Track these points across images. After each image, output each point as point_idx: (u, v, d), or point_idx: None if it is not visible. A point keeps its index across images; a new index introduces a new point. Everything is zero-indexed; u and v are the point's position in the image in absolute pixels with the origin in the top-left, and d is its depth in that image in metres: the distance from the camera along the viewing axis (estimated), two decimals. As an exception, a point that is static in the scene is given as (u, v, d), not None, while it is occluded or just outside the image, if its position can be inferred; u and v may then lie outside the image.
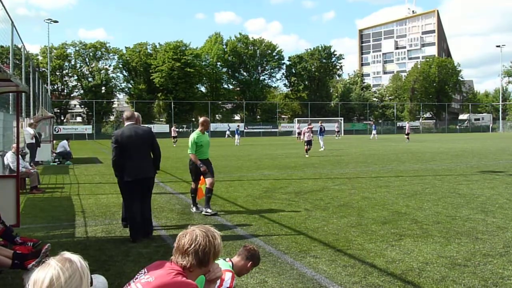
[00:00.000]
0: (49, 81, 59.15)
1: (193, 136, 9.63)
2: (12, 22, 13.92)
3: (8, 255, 5.28)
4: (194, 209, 9.82)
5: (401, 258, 6.42)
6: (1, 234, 6.38)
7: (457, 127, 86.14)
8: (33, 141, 19.08)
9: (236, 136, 43.78)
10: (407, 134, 46.31)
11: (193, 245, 2.68)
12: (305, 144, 26.88)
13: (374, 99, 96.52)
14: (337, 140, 48.88)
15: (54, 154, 23.65)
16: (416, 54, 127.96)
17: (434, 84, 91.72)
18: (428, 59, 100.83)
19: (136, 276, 2.85)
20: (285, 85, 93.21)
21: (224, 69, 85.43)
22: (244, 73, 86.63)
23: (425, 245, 7.09)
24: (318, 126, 33.54)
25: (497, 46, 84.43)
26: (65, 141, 24.69)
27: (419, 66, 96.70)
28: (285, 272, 5.86)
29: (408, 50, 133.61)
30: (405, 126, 51.96)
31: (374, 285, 5.40)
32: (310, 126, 28.08)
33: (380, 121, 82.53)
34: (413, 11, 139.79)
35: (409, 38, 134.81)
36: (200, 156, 9.58)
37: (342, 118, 72.46)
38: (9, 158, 12.25)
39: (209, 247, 2.71)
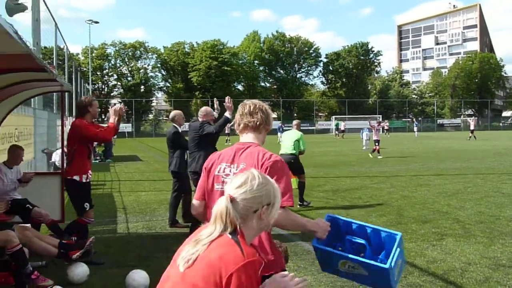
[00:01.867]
0: (90, 81, 60.52)
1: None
2: (56, 23, 14.33)
3: (54, 244, 5.43)
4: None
5: (442, 258, 6.34)
6: (49, 226, 6.57)
7: (500, 124, 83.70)
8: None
9: (279, 134, 41.81)
10: (472, 131, 42.71)
11: (257, 105, 3.06)
12: (376, 143, 23.73)
13: (414, 96, 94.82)
14: (389, 138, 48.33)
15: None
16: (457, 50, 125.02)
17: (476, 80, 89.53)
18: (470, 55, 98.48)
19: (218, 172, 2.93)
20: (322, 82, 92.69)
21: (261, 67, 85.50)
22: (281, 71, 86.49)
23: (467, 245, 6.98)
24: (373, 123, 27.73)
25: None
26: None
27: (460, 62, 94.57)
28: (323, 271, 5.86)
29: (449, 46, 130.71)
30: (447, 123, 50.33)
31: (414, 285, 5.35)
32: (378, 122, 25.89)
33: (420, 118, 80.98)
34: (454, 5, 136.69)
35: (450, 34, 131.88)
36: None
37: (381, 116, 71.51)
38: (57, 156, 12.58)
39: (267, 108, 3.11)
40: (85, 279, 5.43)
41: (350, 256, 2.86)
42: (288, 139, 10.65)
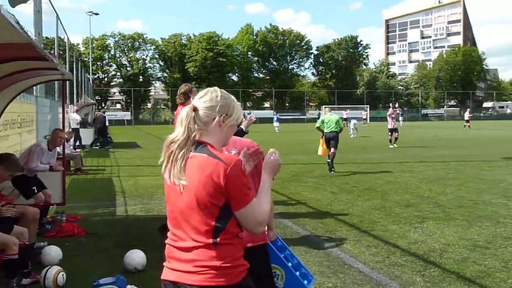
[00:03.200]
0: (91, 71, 60.12)
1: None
2: (57, 14, 14.20)
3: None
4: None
5: (423, 240, 6.40)
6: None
7: (481, 114, 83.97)
8: (78, 126, 19.62)
9: (275, 123, 40.31)
10: (467, 120, 42.82)
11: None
12: (390, 133, 22.25)
13: (400, 87, 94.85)
14: (364, 127, 48.32)
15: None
16: (441, 43, 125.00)
17: (459, 73, 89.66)
18: (453, 48, 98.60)
19: None
20: (313, 74, 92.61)
21: (255, 59, 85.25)
22: (274, 63, 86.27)
23: (447, 227, 7.04)
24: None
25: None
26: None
27: (444, 55, 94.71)
28: (312, 251, 5.92)
29: (433, 40, 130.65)
30: (431, 113, 50.41)
31: (396, 265, 5.41)
32: (396, 109, 23.49)
33: (405, 108, 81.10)
34: (439, 1, 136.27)
35: (435, 28, 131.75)
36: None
37: (368, 106, 71.59)
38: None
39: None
40: (57, 262, 5.30)
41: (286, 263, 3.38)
42: (333, 121, 13.12)
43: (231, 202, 2.02)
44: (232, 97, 2.27)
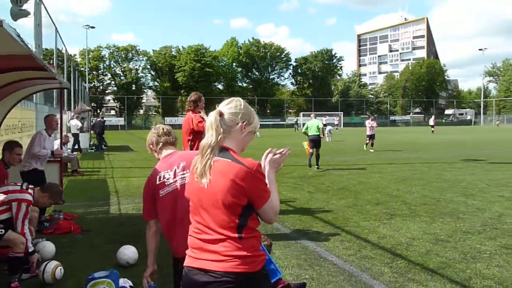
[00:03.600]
0: (87, 79, 59.41)
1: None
2: (56, 27, 14.03)
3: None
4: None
5: (391, 234, 6.46)
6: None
7: (443, 120, 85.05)
8: (78, 132, 19.50)
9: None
10: (433, 125, 43.82)
11: (168, 128, 3.32)
12: (368, 138, 21.94)
13: (370, 96, 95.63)
14: (337, 132, 48.65)
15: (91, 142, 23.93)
16: (407, 57, 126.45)
17: (423, 83, 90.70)
18: (418, 61, 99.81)
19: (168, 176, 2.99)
20: (292, 83, 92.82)
21: (239, 69, 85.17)
22: (256, 73, 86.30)
23: (412, 223, 7.12)
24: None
25: (479, 49, 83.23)
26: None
27: (410, 67, 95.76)
28: (291, 245, 5.93)
29: (400, 53, 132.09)
30: (399, 120, 51.41)
31: (367, 257, 5.45)
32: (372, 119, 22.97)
33: (375, 115, 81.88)
34: (405, 18, 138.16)
35: (402, 42, 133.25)
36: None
37: (342, 113, 72.12)
38: (56, 146, 12.40)
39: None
40: (52, 256, 5.29)
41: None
42: (314, 126, 14.05)
43: (254, 202, 2.14)
44: (251, 108, 2.39)
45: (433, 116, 47.82)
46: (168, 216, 2.92)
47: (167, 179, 2.95)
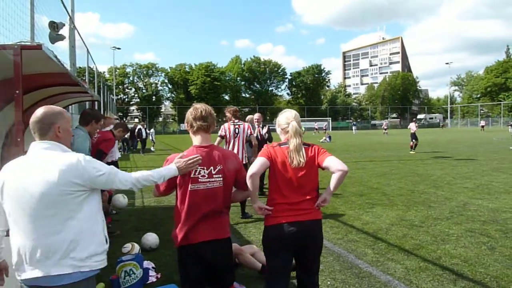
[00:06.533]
0: (114, 93, 59.47)
1: None
2: (87, 49, 14.03)
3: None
4: None
5: (373, 221, 6.45)
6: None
7: (416, 124, 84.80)
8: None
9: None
10: (385, 128, 46.77)
11: (207, 110, 2.84)
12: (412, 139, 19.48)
13: (354, 103, 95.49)
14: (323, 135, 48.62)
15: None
16: (385, 70, 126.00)
17: (399, 92, 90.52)
18: (394, 74, 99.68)
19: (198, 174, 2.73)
20: (287, 93, 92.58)
21: (242, 83, 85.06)
22: (257, 85, 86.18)
23: (391, 211, 7.11)
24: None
25: (446, 63, 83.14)
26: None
27: (387, 79, 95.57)
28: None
29: (379, 67, 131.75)
30: (379, 124, 52.39)
31: (353, 241, 5.44)
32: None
33: (358, 120, 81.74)
34: (383, 37, 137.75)
35: (380, 58, 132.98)
36: None
37: (330, 118, 72.01)
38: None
39: (213, 112, 2.91)
40: (156, 246, 5.30)
41: None
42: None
43: (324, 165, 2.82)
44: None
45: (384, 121, 49.09)
46: (191, 207, 2.70)
47: (202, 176, 2.70)
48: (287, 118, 2.93)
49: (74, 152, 2.21)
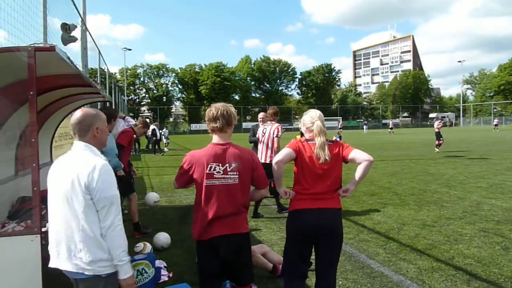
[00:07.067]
0: (125, 93, 59.90)
1: None
2: (99, 50, 14.18)
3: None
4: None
5: (384, 221, 6.41)
6: None
7: (428, 123, 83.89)
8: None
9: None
10: (391, 128, 46.93)
11: (219, 111, 2.83)
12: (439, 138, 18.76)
13: (365, 103, 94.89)
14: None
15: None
16: (396, 69, 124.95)
17: (410, 91, 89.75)
18: (405, 72, 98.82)
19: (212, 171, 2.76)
20: (297, 93, 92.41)
21: (252, 82, 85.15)
22: (267, 85, 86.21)
23: (402, 211, 7.05)
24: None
25: (458, 61, 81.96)
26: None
27: (398, 77, 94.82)
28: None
29: (390, 66, 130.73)
30: (388, 123, 52.26)
31: (364, 240, 5.41)
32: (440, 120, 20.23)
33: (369, 119, 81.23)
34: (394, 36, 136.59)
35: (391, 57, 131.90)
36: None
37: (341, 117, 71.69)
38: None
39: (231, 111, 2.89)
40: (167, 245, 5.35)
41: None
42: None
43: (349, 158, 3.09)
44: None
45: (391, 121, 48.96)
46: (207, 203, 2.75)
47: (217, 172, 2.75)
48: (311, 117, 3.17)
49: (101, 158, 2.30)
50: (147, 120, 7.36)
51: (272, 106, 7.77)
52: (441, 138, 18.85)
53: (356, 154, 3.05)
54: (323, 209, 2.96)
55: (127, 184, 6.00)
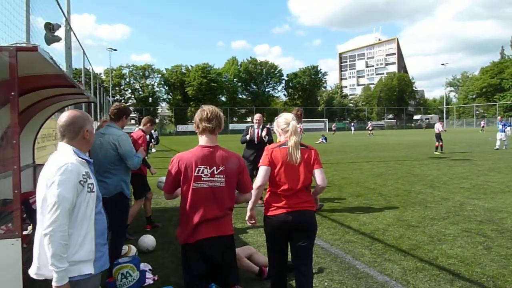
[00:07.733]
0: (110, 94, 59.25)
1: None
2: (84, 50, 13.99)
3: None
4: None
5: (370, 222, 6.46)
6: None
7: (412, 124, 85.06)
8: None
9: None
10: (371, 130, 46.93)
11: (214, 112, 2.85)
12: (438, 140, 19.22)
13: (351, 104, 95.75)
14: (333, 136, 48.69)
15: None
16: (381, 71, 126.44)
17: (395, 93, 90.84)
18: (390, 75, 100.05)
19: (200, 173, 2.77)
20: (284, 95, 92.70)
21: (239, 84, 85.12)
22: (254, 87, 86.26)
23: (387, 212, 7.11)
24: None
25: (442, 64, 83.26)
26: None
27: (383, 80, 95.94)
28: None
29: (375, 68, 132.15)
30: (375, 125, 52.96)
31: (350, 241, 5.44)
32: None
33: (355, 121, 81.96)
34: (379, 39, 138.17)
35: (376, 59, 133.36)
36: None
37: (327, 119, 72.19)
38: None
39: (222, 115, 2.92)
40: (153, 248, 5.26)
41: None
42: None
43: (316, 167, 3.21)
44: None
45: (370, 122, 49.03)
46: (194, 206, 2.74)
47: (204, 175, 2.75)
48: (286, 119, 3.29)
49: (68, 159, 2.23)
50: (150, 117, 7.21)
51: (297, 107, 8.09)
52: (439, 141, 19.20)
53: (317, 173, 3.21)
54: (296, 211, 3.13)
55: (142, 183, 6.39)
